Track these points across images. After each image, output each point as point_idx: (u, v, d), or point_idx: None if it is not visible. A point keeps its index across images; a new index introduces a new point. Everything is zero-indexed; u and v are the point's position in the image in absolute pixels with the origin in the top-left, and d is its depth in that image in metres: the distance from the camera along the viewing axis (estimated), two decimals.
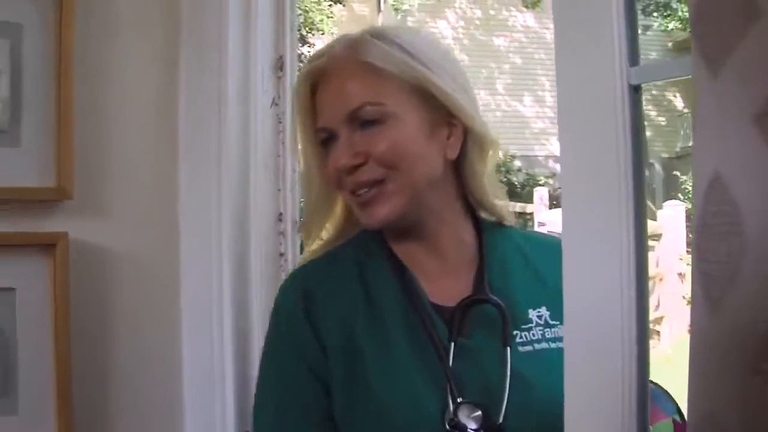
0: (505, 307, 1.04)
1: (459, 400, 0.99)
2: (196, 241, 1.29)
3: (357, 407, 1.01)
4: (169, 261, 1.28)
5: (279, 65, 1.37)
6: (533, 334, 1.06)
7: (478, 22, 15.23)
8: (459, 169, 1.10)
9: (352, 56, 1.05)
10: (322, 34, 13.22)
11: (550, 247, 1.12)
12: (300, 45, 14.15)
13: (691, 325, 0.52)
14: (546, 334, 1.05)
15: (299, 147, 1.14)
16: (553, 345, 1.05)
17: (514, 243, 1.15)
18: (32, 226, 1.21)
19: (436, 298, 1.07)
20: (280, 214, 1.36)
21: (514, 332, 1.05)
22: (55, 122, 1.21)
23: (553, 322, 1.06)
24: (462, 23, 16.07)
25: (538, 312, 1.07)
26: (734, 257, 0.47)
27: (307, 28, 12.82)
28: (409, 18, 15.50)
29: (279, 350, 1.08)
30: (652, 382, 0.97)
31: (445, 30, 16.18)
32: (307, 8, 12.66)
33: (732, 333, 0.47)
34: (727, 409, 0.47)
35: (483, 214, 1.15)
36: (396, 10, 14.87)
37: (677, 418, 1.01)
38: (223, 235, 1.27)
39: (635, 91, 0.82)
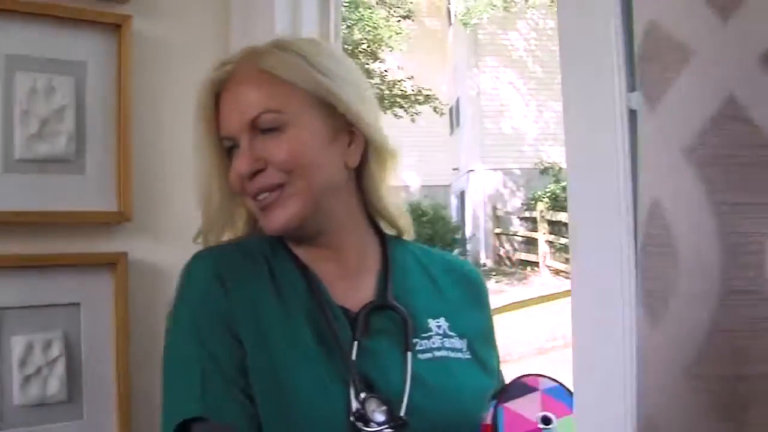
0: (407, 315, 1.07)
1: (363, 395, 0.99)
2: None
3: (264, 396, 0.98)
4: None
5: None
6: (433, 342, 1.08)
7: (550, 32, 15.11)
8: (360, 179, 1.12)
9: (253, 65, 1.07)
10: (392, 50, 13.34)
11: (447, 262, 1.20)
12: (371, 61, 14.34)
13: (637, 338, 0.57)
14: (445, 343, 1.08)
15: (196, 157, 1.12)
16: (452, 354, 1.08)
17: (415, 255, 1.17)
18: (96, 247, 1.32)
19: (338, 301, 1.08)
20: None
21: (414, 340, 1.06)
22: (115, 151, 1.33)
23: (451, 333, 1.09)
24: (534, 34, 15.98)
25: (437, 322, 1.10)
26: (671, 275, 0.52)
27: (376, 45, 12.96)
28: (480, 31, 15.50)
29: (197, 317, 1.03)
30: (554, 380, 1.05)
31: (516, 42, 16.11)
32: (376, 24, 12.79)
33: (671, 343, 0.52)
34: (666, 412, 0.52)
35: (384, 227, 1.17)
36: (465, 24, 14.90)
37: None
38: None
39: (633, 114, 0.88)
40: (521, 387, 1.04)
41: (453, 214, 16.77)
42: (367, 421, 0.99)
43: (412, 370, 1.03)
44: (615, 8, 0.82)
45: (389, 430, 1.00)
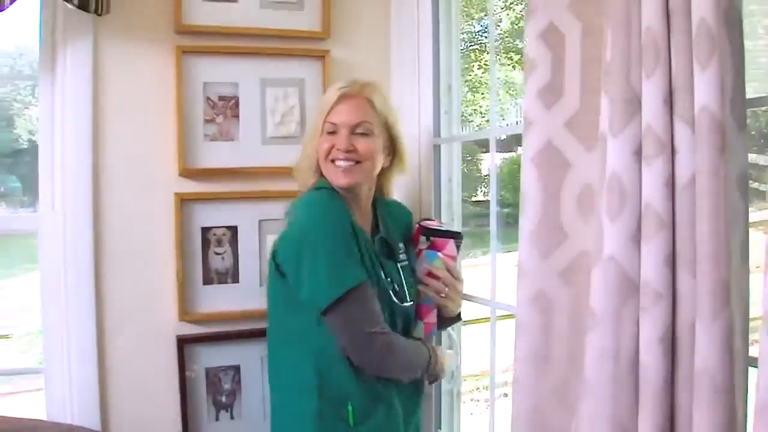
0: (394, 243, 1.92)
1: (394, 285, 1.86)
2: None
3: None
4: None
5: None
6: (402, 257, 1.93)
7: None
8: (382, 171, 1.90)
9: (363, 94, 1.83)
10: None
11: (399, 206, 2.05)
12: None
13: None
14: (404, 257, 1.94)
15: (310, 131, 1.90)
16: (406, 262, 1.94)
17: (388, 206, 1.99)
18: None
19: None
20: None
21: (399, 255, 1.92)
22: None
23: (404, 250, 1.96)
24: None
25: (401, 246, 1.94)
26: None
27: None
28: None
29: (334, 224, 1.74)
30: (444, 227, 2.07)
31: None
32: None
33: None
34: None
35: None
36: None
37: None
38: None
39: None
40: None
41: None
42: (400, 299, 1.85)
43: (401, 273, 1.90)
44: None
45: (403, 304, 1.85)
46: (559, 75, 1.35)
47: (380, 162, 1.85)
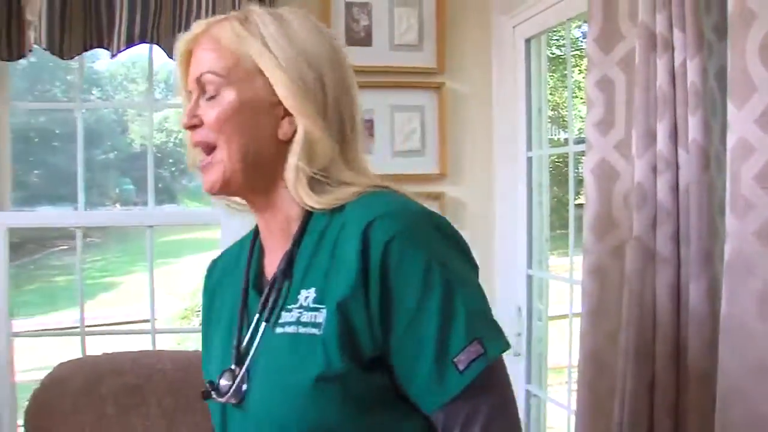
0: (278, 288, 1.03)
1: (231, 366, 1.06)
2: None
3: None
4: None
5: None
6: (291, 316, 0.99)
7: None
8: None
9: (209, 33, 1.09)
10: None
11: (356, 219, 1.00)
12: None
13: None
14: (301, 317, 0.98)
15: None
16: (301, 329, 0.97)
17: (341, 221, 1.02)
18: (429, 189, 2.81)
19: (267, 269, 1.13)
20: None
21: (283, 312, 1.01)
22: (438, 144, 2.81)
23: (314, 305, 0.98)
24: None
25: (306, 293, 0.99)
26: None
27: None
28: None
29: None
30: None
31: None
32: None
33: None
34: None
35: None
36: None
37: None
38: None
39: None
40: None
41: None
42: (218, 392, 1.05)
43: (258, 344, 1.02)
44: None
45: (231, 401, 1.03)
46: (610, 112, 1.91)
47: (260, 134, 1.06)
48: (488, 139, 2.88)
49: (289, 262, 1.05)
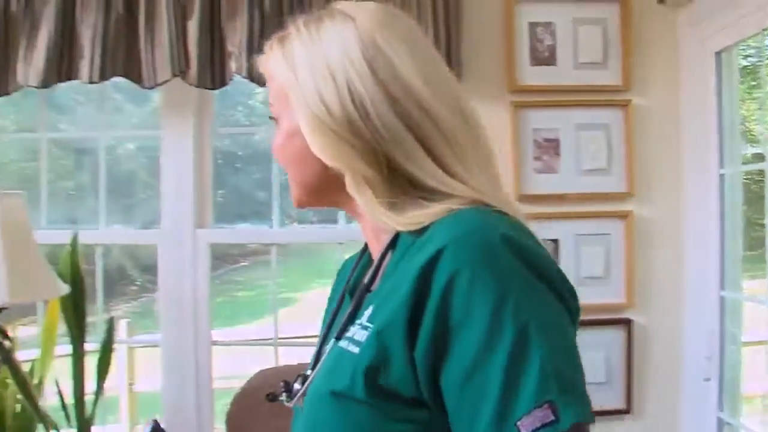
0: (357, 300, 0.97)
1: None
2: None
3: None
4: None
5: None
6: (352, 331, 0.92)
7: None
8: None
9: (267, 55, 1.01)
10: None
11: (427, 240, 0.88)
12: None
13: None
14: (355, 334, 0.90)
15: None
16: (350, 345, 0.90)
17: (422, 241, 0.89)
18: (617, 207, 2.78)
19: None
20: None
21: (351, 324, 0.94)
22: (626, 161, 2.78)
23: (366, 323, 0.90)
24: None
25: (367, 311, 0.92)
26: None
27: None
28: None
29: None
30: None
31: None
32: None
33: None
34: None
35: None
36: None
37: None
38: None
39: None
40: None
41: None
42: (290, 395, 1.03)
43: (324, 356, 0.97)
44: None
45: (298, 404, 1.00)
46: None
47: (307, 164, 0.98)
48: (676, 156, 2.80)
49: (373, 275, 0.98)
